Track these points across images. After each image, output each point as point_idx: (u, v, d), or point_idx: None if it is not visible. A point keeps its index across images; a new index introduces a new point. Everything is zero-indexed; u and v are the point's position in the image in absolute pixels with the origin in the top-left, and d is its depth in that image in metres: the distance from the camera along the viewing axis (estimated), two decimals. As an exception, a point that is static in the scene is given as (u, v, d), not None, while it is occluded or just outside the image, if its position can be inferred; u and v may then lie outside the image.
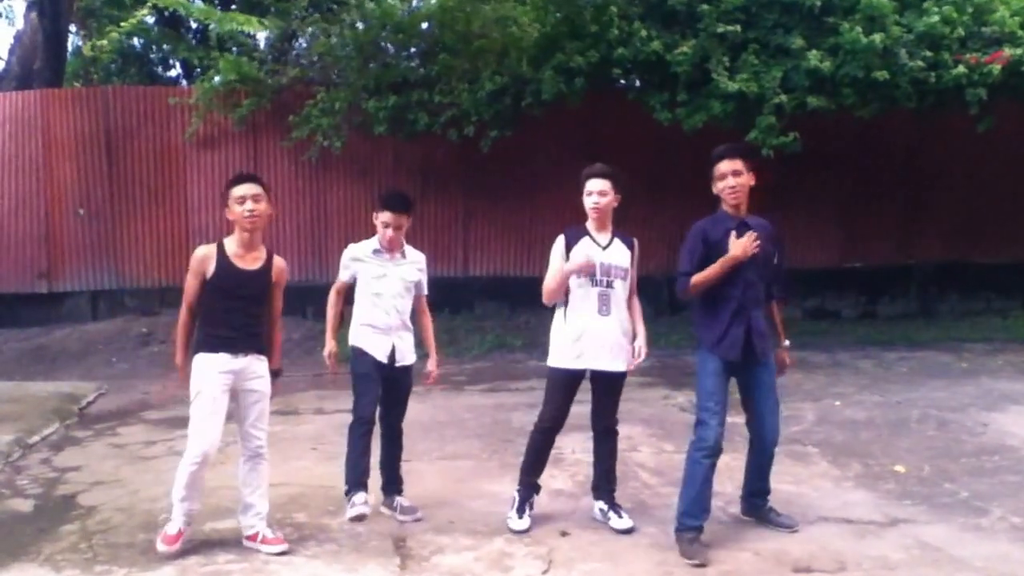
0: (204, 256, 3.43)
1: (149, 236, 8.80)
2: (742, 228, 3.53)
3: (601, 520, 3.81)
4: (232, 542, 3.66)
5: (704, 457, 3.51)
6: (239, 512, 3.62)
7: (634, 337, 3.74)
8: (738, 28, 7.07)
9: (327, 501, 4.09)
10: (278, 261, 3.59)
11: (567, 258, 3.63)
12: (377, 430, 3.92)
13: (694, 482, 3.51)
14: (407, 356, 3.89)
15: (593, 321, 3.63)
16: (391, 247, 3.85)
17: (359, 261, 3.87)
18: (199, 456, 3.40)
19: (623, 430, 5.28)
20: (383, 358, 3.83)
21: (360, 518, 3.72)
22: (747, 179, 3.53)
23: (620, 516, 3.78)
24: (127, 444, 5.30)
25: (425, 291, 4.03)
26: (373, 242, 3.87)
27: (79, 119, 8.75)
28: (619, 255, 3.70)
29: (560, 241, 3.69)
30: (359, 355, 3.84)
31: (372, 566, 3.41)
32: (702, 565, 3.36)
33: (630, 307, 3.76)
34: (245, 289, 3.44)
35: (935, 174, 9.52)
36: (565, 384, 3.70)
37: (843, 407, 5.91)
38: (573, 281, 3.64)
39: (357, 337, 3.87)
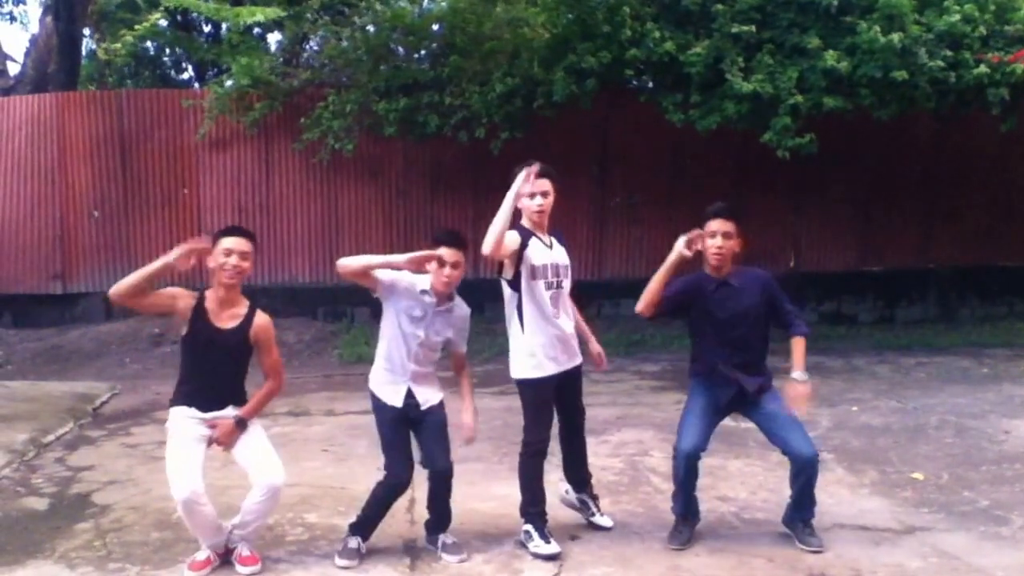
0: (185, 298, 3.28)
1: (162, 237, 8.84)
2: (724, 288, 3.54)
3: (577, 508, 3.83)
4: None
5: (679, 459, 3.59)
6: (232, 520, 3.47)
7: (582, 339, 3.74)
8: (753, 28, 6.99)
9: (338, 502, 4.09)
10: (260, 319, 3.37)
11: (523, 256, 3.45)
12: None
13: (676, 480, 3.66)
14: (430, 398, 3.52)
15: (552, 323, 3.53)
16: (445, 291, 3.43)
17: (406, 288, 3.41)
18: (182, 502, 3.22)
19: (633, 435, 5.30)
20: (399, 403, 3.45)
21: (347, 569, 3.39)
22: (735, 243, 3.52)
23: (603, 514, 3.83)
24: (140, 444, 5.33)
25: (463, 348, 3.61)
26: (424, 281, 3.42)
27: (93, 122, 8.81)
28: (562, 254, 3.63)
29: (516, 236, 3.45)
30: (377, 406, 3.50)
31: (382, 567, 3.41)
32: (677, 549, 3.53)
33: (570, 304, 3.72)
34: (217, 348, 3.28)
35: (956, 176, 9.39)
36: (546, 394, 3.55)
37: (860, 413, 5.83)
38: (528, 283, 3.49)
39: (375, 379, 3.52)
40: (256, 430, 3.45)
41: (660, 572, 3.35)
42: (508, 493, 4.09)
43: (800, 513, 3.62)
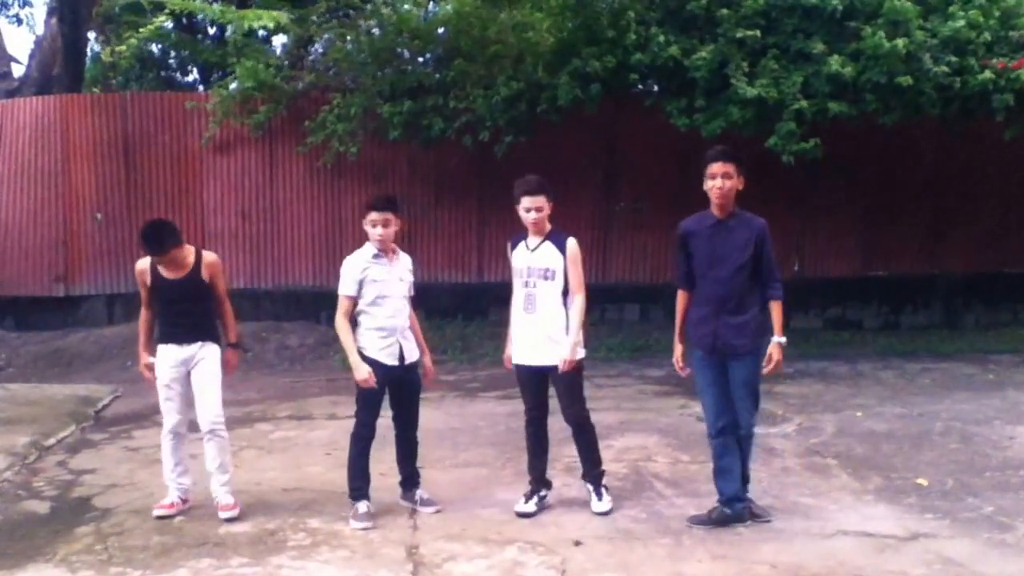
0: (141, 269, 4.09)
1: (166, 240, 8.84)
2: (718, 226, 3.79)
3: (588, 500, 4.06)
4: (246, 545, 3.67)
5: (708, 436, 3.90)
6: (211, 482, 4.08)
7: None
8: (758, 33, 6.98)
9: (340, 507, 4.08)
10: (207, 258, 4.09)
11: (511, 260, 4.06)
12: (385, 427, 4.07)
13: (713, 460, 3.91)
14: (412, 353, 4.06)
15: (521, 319, 3.97)
16: (385, 247, 3.95)
17: (363, 269, 3.95)
18: (168, 431, 4.06)
19: (637, 440, 5.29)
20: (393, 361, 3.95)
21: (365, 530, 3.84)
22: (735, 183, 3.74)
23: (600, 498, 4.00)
24: (142, 447, 5.32)
25: (413, 292, 4.15)
26: (369, 248, 3.97)
27: (97, 125, 8.81)
28: (543, 258, 3.93)
29: (508, 246, 4.13)
30: (369, 367, 3.93)
31: (384, 573, 3.40)
32: (693, 524, 3.81)
33: (570, 305, 3.93)
34: (177, 294, 4.02)
35: (962, 182, 9.35)
36: (522, 378, 4.03)
37: (864, 419, 5.80)
38: (514, 282, 4.02)
39: (366, 345, 3.96)
40: (215, 372, 4.08)
41: (663, 579, 3.34)
42: (511, 499, 4.10)
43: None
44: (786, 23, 7.12)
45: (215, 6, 8.81)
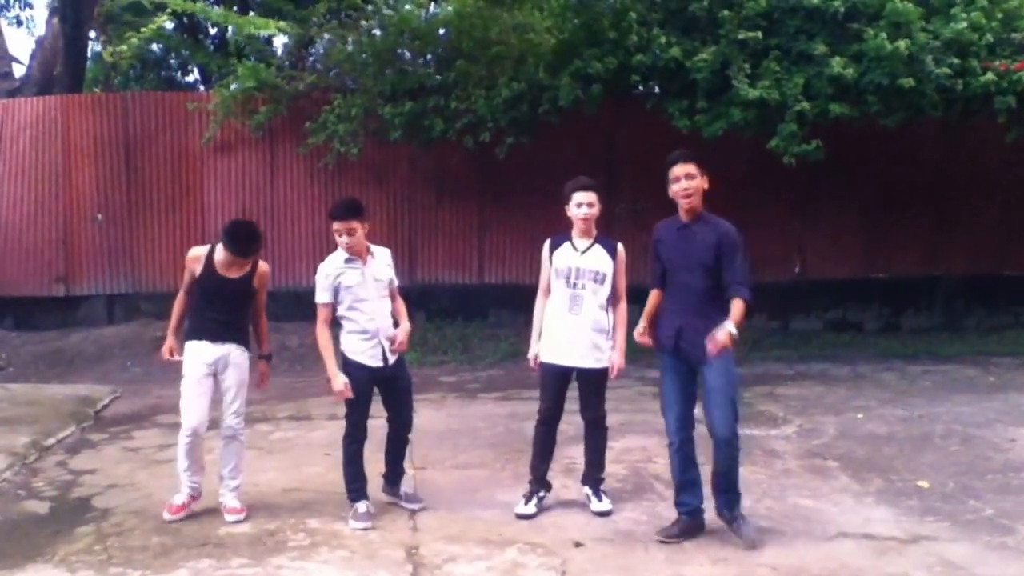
0: (194, 257, 4.02)
1: (166, 241, 8.85)
2: (684, 231, 3.75)
3: (587, 503, 4.06)
4: (246, 546, 3.67)
5: (669, 445, 3.78)
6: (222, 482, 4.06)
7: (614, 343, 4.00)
8: (759, 34, 6.98)
9: (340, 507, 4.07)
10: (262, 267, 4.07)
11: (551, 260, 4.00)
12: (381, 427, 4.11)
13: (672, 470, 3.80)
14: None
15: (564, 319, 3.93)
16: (354, 252, 3.88)
17: (336, 276, 3.88)
18: (189, 431, 3.93)
19: (637, 441, 5.28)
20: (378, 363, 3.92)
21: (365, 530, 3.84)
22: (700, 182, 3.69)
23: (600, 499, 4.02)
24: (141, 448, 5.32)
25: (396, 283, 4.10)
26: (341, 253, 3.91)
27: (98, 125, 8.81)
28: (594, 260, 3.96)
29: (546, 245, 4.06)
30: (352, 370, 3.91)
31: (384, 574, 3.40)
32: (662, 541, 3.65)
33: (614, 312, 4.00)
34: (225, 293, 3.97)
35: (964, 183, 9.34)
36: (549, 377, 3.99)
37: (865, 421, 5.80)
38: (553, 282, 3.98)
39: (348, 348, 3.95)
40: (243, 378, 4.05)
41: (664, 581, 3.33)
42: (511, 500, 4.10)
43: (726, 499, 3.69)
44: (788, 24, 7.12)
45: (217, 9, 8.80)
